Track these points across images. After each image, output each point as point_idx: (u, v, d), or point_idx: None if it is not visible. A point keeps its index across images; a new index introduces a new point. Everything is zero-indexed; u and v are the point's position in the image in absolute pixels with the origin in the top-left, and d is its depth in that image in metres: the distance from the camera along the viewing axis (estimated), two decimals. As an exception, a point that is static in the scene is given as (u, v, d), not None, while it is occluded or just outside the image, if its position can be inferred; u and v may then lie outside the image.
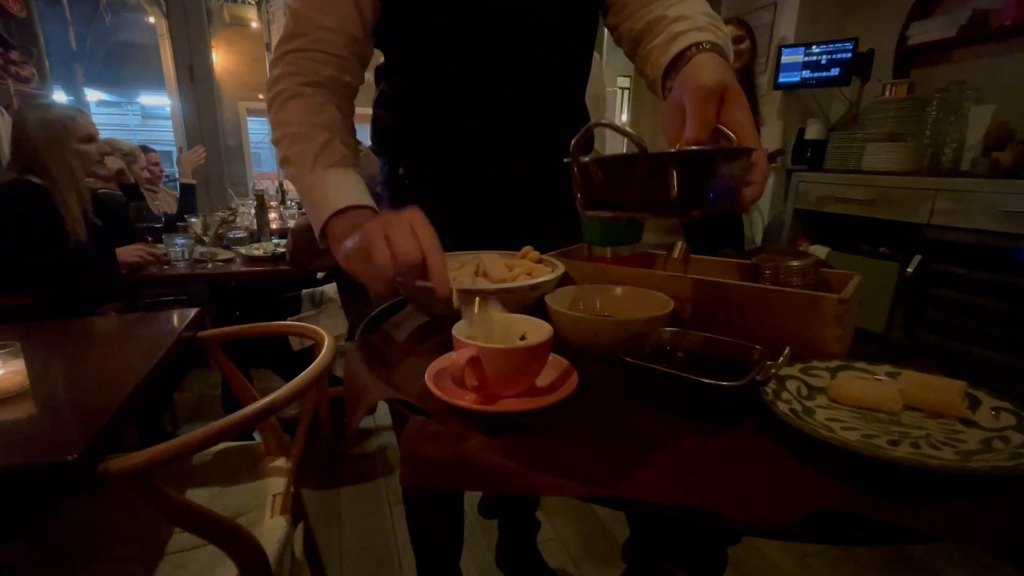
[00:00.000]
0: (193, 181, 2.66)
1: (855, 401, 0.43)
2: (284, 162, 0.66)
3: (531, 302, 0.60)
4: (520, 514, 1.27)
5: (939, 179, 1.82)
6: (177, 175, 2.75)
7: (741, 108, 0.49)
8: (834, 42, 2.50)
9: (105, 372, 0.82)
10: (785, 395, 0.43)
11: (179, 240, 1.77)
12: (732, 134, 0.48)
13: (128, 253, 1.68)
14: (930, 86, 2.15)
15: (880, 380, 0.46)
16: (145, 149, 2.85)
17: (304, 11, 0.67)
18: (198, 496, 0.95)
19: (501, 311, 0.51)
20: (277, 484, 0.96)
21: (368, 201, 0.61)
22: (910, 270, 1.86)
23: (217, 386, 2.17)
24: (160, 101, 4.94)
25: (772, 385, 0.43)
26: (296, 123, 0.65)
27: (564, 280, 0.65)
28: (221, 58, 5.15)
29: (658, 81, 0.63)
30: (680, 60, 0.59)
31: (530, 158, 0.79)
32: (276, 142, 0.67)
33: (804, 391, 0.45)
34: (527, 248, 0.69)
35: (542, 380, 0.48)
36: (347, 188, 0.62)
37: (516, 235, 0.74)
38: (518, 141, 0.79)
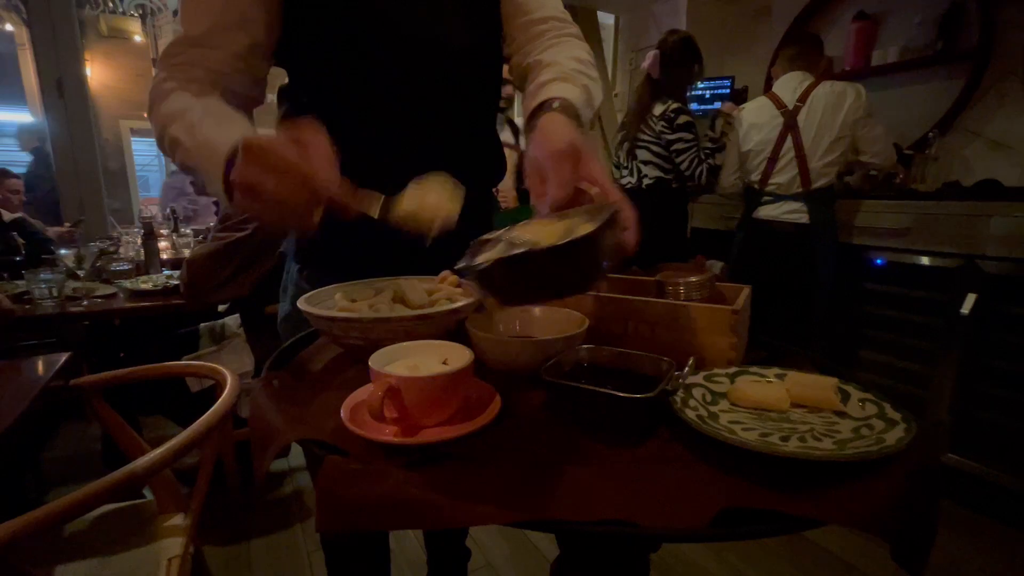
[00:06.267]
0: (17, 215, 2.30)
1: (751, 403, 0.47)
2: (173, 146, 0.59)
3: (452, 327, 0.59)
4: (449, 545, 1.23)
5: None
6: None
7: (595, 162, 0.54)
8: (715, 79, 2.82)
9: (-55, 436, 0.69)
10: (692, 402, 0.46)
11: (45, 275, 1.55)
12: (592, 187, 0.53)
13: None
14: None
15: (771, 382, 0.50)
16: (5, 174, 2.48)
17: (187, 32, 0.63)
18: (74, 572, 0.82)
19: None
20: (173, 545, 0.85)
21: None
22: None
23: (97, 439, 1.90)
24: (18, 117, 4.32)
25: (681, 394, 0.46)
26: (179, 110, 0.59)
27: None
28: (98, 73, 4.64)
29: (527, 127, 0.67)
30: (534, 116, 0.62)
31: None
32: (160, 137, 0.60)
33: (709, 397, 0.48)
34: (445, 272, 0.69)
35: (465, 406, 0.47)
36: (237, 127, 0.55)
37: (432, 259, 0.73)
38: (430, 164, 0.79)
